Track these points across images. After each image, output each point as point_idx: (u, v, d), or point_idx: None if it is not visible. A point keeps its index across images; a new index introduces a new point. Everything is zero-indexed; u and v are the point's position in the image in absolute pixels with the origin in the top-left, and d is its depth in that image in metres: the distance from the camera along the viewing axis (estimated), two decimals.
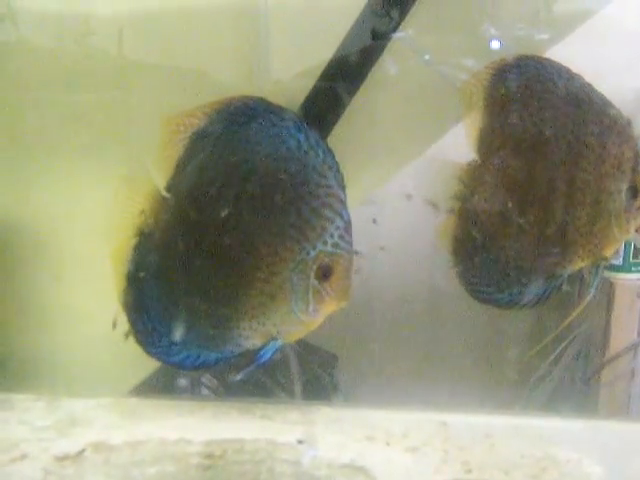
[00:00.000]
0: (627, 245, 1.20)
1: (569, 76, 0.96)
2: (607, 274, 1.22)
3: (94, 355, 1.21)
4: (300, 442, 0.93)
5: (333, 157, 0.90)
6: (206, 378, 1.23)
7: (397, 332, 1.36)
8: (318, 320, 0.91)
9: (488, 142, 0.98)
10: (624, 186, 0.94)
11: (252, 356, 0.93)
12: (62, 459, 0.88)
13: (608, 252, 0.98)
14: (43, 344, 1.26)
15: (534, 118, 0.95)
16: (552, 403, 1.24)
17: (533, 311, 1.31)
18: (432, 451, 0.91)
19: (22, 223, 1.25)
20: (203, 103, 0.91)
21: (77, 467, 0.88)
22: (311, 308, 0.89)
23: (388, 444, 0.93)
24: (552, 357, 1.24)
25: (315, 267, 0.88)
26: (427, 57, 1.20)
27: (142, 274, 0.91)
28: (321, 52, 1.19)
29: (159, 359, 0.95)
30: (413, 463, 0.89)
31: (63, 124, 1.24)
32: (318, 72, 1.20)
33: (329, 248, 0.88)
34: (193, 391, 1.21)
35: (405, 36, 1.16)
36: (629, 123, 0.96)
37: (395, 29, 1.14)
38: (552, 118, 0.95)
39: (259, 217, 0.87)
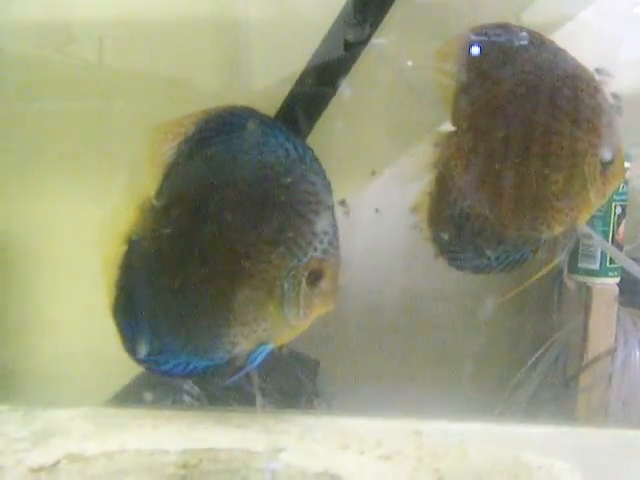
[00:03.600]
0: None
1: (541, 41, 0.96)
2: (584, 279, 1.23)
3: (74, 366, 1.22)
4: (275, 451, 0.94)
5: (320, 165, 0.91)
6: (188, 385, 1.24)
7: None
8: (306, 324, 0.92)
9: (463, 108, 0.98)
10: (599, 150, 0.94)
11: (242, 361, 0.93)
12: (37, 471, 0.88)
13: (584, 217, 0.98)
14: (21, 355, 1.27)
15: (508, 83, 0.95)
16: (531, 408, 1.24)
17: (517, 315, 1.31)
18: (405, 459, 0.92)
19: (3, 234, 1.26)
20: (190, 112, 0.91)
21: (52, 479, 0.88)
22: (301, 313, 0.90)
23: (362, 452, 0.93)
24: (530, 362, 1.25)
25: (306, 273, 0.89)
26: (410, 63, 1.21)
27: (131, 282, 0.91)
28: (299, 60, 1.20)
29: (148, 368, 0.94)
30: (386, 471, 0.89)
31: (48, 134, 1.25)
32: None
33: (319, 254, 0.89)
34: (174, 398, 1.22)
35: (378, 44, 1.17)
36: (603, 85, 0.96)
37: (367, 39, 1.15)
38: (525, 82, 0.94)
39: (250, 225, 0.87)
